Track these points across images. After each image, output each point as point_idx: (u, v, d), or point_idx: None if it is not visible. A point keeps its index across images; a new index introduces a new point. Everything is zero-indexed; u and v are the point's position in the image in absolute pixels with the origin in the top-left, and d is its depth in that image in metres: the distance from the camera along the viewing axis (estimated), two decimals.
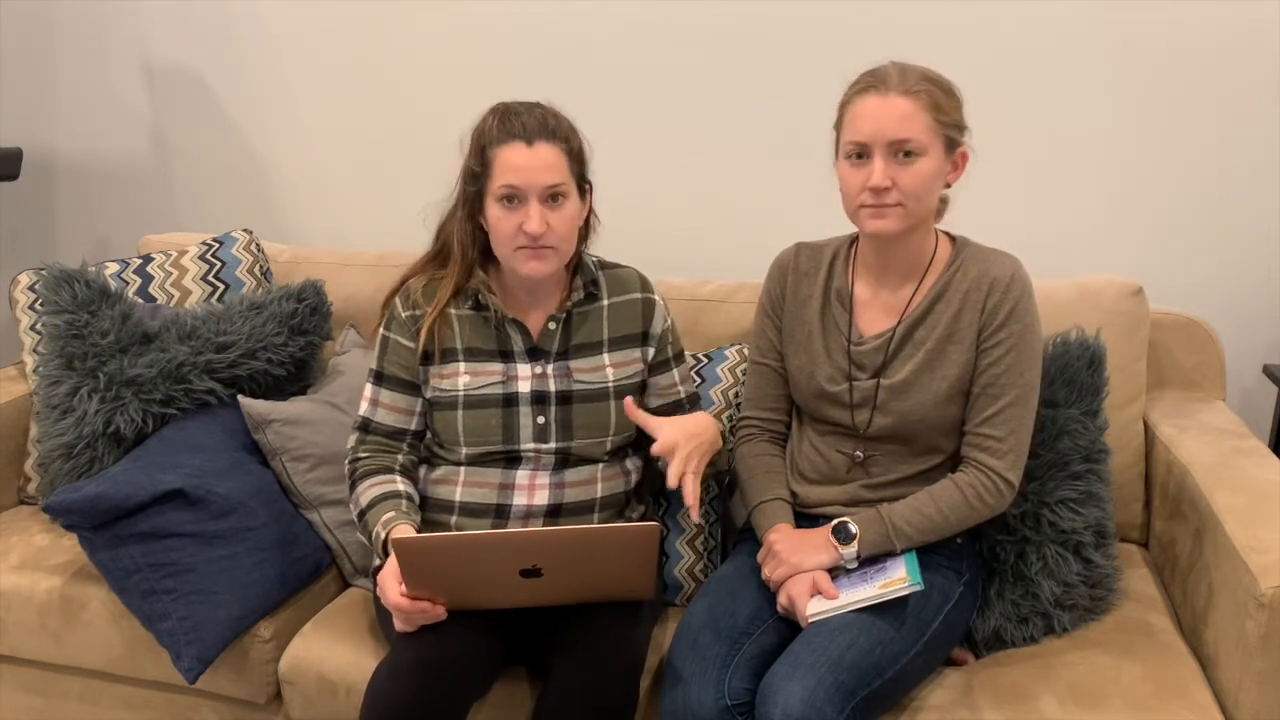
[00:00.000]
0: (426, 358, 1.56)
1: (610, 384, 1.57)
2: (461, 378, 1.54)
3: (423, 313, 1.56)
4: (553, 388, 1.54)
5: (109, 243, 2.73)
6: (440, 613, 1.37)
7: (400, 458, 1.58)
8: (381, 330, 1.60)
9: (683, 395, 1.65)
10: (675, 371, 1.64)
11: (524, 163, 1.44)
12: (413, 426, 1.59)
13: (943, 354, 1.46)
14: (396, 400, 1.58)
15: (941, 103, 1.38)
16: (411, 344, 1.56)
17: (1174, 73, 1.97)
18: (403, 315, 1.57)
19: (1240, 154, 1.98)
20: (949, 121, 1.38)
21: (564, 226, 1.47)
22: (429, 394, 1.57)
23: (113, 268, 2.05)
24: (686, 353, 1.72)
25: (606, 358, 1.58)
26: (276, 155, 2.54)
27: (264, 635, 1.64)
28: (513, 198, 1.45)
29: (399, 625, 1.40)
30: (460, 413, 1.53)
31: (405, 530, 1.46)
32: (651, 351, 1.62)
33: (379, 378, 1.59)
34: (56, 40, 2.61)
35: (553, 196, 1.46)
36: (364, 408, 1.60)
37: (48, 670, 1.81)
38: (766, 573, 1.45)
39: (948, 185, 1.45)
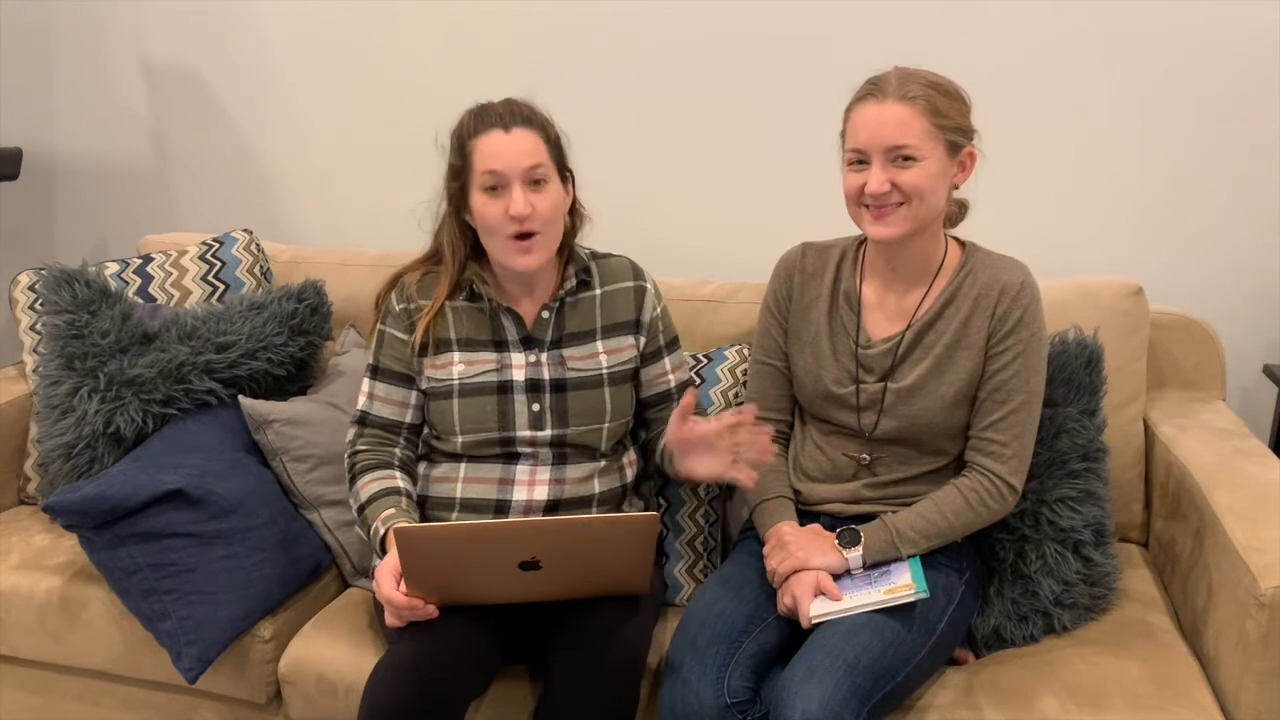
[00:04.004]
0: (422, 349, 1.58)
1: (604, 370, 1.58)
2: (456, 366, 1.56)
3: (417, 306, 1.58)
4: (547, 375, 1.56)
5: (109, 243, 2.72)
6: (432, 611, 1.37)
7: (398, 452, 1.59)
8: (378, 326, 1.62)
9: (672, 384, 1.65)
10: (666, 360, 1.65)
11: (503, 148, 1.48)
12: (408, 419, 1.60)
13: (951, 359, 1.46)
14: (391, 393, 1.59)
15: (941, 107, 1.38)
16: (406, 336, 1.58)
17: (1175, 73, 1.97)
18: (397, 309, 1.60)
19: (1241, 154, 1.98)
20: (949, 125, 1.39)
21: (547, 210, 1.49)
22: (424, 384, 1.58)
23: (113, 268, 2.05)
24: (681, 342, 1.71)
25: (600, 345, 1.59)
26: (276, 155, 2.54)
27: (264, 635, 1.64)
28: (496, 186, 1.48)
29: (389, 619, 1.40)
30: (455, 401, 1.54)
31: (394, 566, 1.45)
32: (643, 340, 1.63)
33: (375, 371, 1.61)
34: (56, 40, 2.61)
35: (535, 181, 1.49)
36: (361, 402, 1.62)
37: (48, 670, 1.81)
38: (773, 564, 1.45)
39: (955, 187, 1.45)
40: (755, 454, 1.40)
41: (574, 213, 1.61)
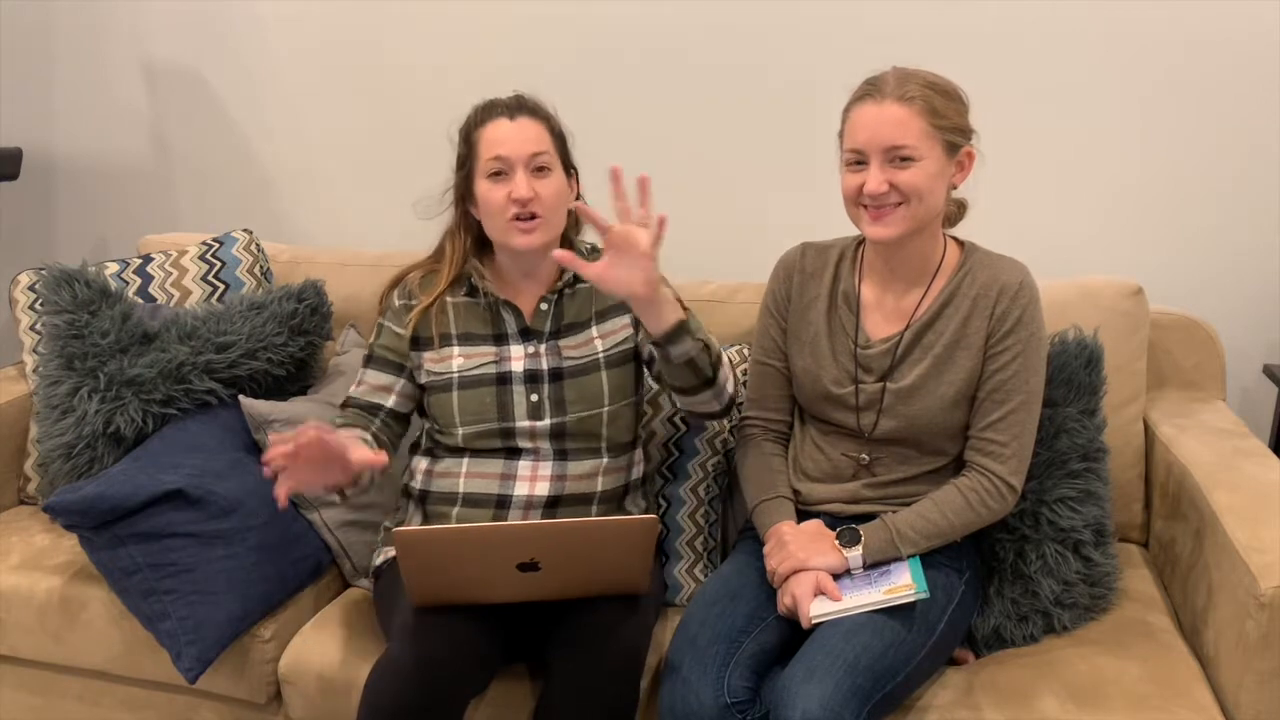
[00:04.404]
0: (416, 343, 1.59)
1: (600, 354, 1.59)
2: (455, 360, 1.57)
3: (417, 301, 1.60)
4: (545, 366, 1.57)
5: (109, 243, 2.72)
6: (290, 450, 1.28)
7: (373, 429, 1.58)
8: (379, 320, 1.64)
9: None
10: None
11: (508, 134, 1.51)
12: (389, 404, 1.60)
13: (950, 359, 1.46)
14: (379, 378, 1.61)
15: (939, 107, 1.38)
16: (402, 330, 1.60)
17: (1175, 73, 1.97)
18: (397, 304, 1.62)
19: (1241, 154, 1.98)
20: (947, 125, 1.39)
21: (551, 197, 1.52)
22: (423, 379, 1.59)
23: (113, 268, 2.05)
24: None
25: (595, 330, 1.61)
26: (276, 155, 2.54)
27: (264, 635, 1.64)
28: (500, 171, 1.51)
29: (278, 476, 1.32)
30: (455, 393, 1.56)
31: (352, 438, 1.42)
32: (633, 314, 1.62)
33: (368, 359, 1.63)
34: (56, 40, 2.61)
35: (538, 168, 1.51)
36: (350, 389, 1.63)
37: (48, 670, 1.81)
38: (773, 565, 1.45)
39: (954, 187, 1.45)
40: (643, 216, 1.36)
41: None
